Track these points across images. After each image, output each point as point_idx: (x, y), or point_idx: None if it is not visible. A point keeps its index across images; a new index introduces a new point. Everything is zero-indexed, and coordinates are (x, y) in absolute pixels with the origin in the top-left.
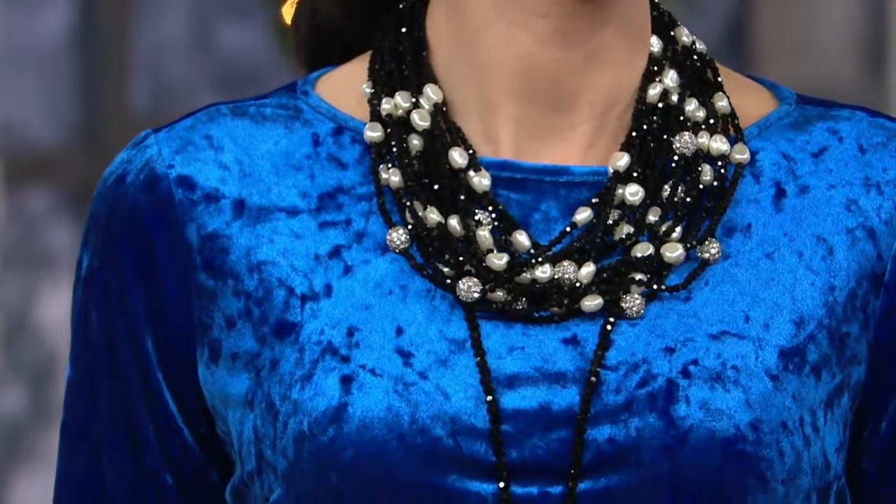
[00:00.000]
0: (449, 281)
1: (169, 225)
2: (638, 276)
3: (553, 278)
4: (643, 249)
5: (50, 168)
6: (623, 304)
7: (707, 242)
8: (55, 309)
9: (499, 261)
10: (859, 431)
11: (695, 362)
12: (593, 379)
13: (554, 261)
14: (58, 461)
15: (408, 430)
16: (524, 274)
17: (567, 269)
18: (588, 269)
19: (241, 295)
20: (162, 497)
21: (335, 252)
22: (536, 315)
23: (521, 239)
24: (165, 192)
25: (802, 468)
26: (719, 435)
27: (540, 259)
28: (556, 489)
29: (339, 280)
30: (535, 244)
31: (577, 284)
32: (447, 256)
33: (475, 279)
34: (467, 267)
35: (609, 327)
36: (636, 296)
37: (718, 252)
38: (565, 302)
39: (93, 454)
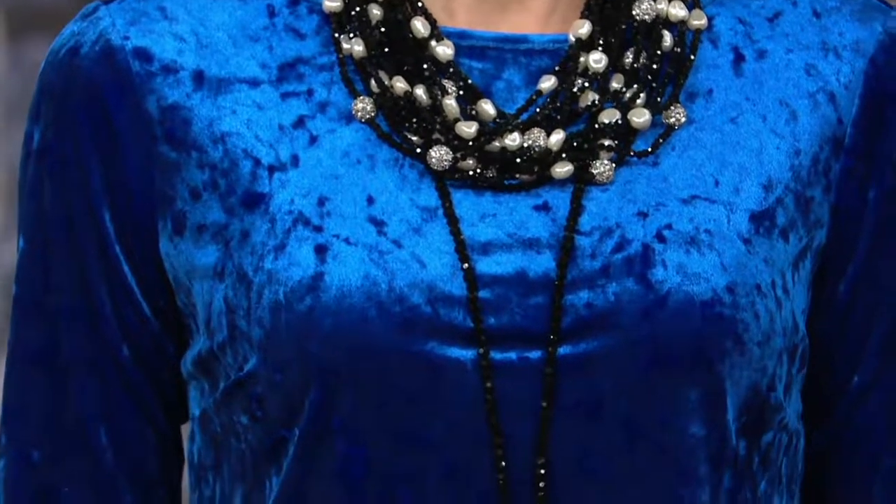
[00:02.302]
0: (419, 150)
1: (127, 97)
2: (606, 142)
3: (522, 146)
4: (610, 116)
5: (51, 19)
6: (593, 171)
7: (672, 108)
8: None
9: (468, 129)
10: (818, 294)
11: (668, 227)
12: (569, 244)
13: (523, 129)
14: (10, 334)
15: (386, 298)
16: (494, 142)
17: (537, 137)
18: (558, 137)
19: (206, 166)
20: (118, 368)
21: (299, 122)
22: (506, 183)
23: (487, 107)
24: (122, 63)
25: (775, 330)
26: (697, 298)
27: (509, 127)
28: (535, 354)
29: (306, 150)
30: (500, 113)
31: (547, 152)
32: (415, 125)
33: (446, 147)
34: (436, 136)
35: (580, 193)
36: (605, 161)
37: (683, 116)
38: (535, 169)
39: (47, 326)
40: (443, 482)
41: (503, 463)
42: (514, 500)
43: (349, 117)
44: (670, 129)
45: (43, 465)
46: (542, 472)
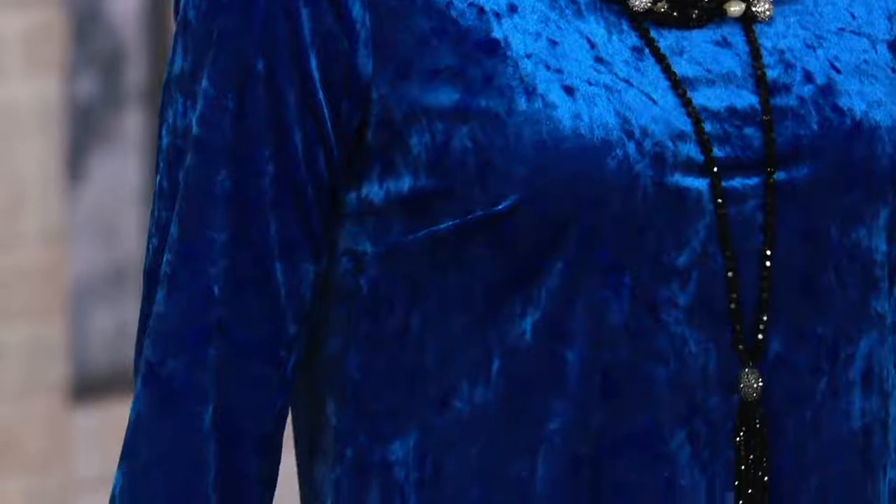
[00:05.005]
0: None
1: None
2: None
3: None
4: None
5: None
6: (754, 9)
7: None
8: (125, 1)
9: None
10: None
11: (836, 58)
12: (764, 78)
13: None
14: (190, 174)
15: (639, 135)
16: None
17: None
18: None
19: (433, 13)
20: (300, 208)
21: None
22: (690, 21)
23: None
24: None
25: None
26: (882, 124)
27: None
28: (754, 181)
29: None
30: None
31: None
32: None
33: None
34: None
35: (752, 30)
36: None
37: None
38: (711, 7)
39: (237, 168)
40: (692, 306)
41: (738, 281)
42: (745, 319)
43: None
44: None
45: (223, 299)
46: (767, 286)
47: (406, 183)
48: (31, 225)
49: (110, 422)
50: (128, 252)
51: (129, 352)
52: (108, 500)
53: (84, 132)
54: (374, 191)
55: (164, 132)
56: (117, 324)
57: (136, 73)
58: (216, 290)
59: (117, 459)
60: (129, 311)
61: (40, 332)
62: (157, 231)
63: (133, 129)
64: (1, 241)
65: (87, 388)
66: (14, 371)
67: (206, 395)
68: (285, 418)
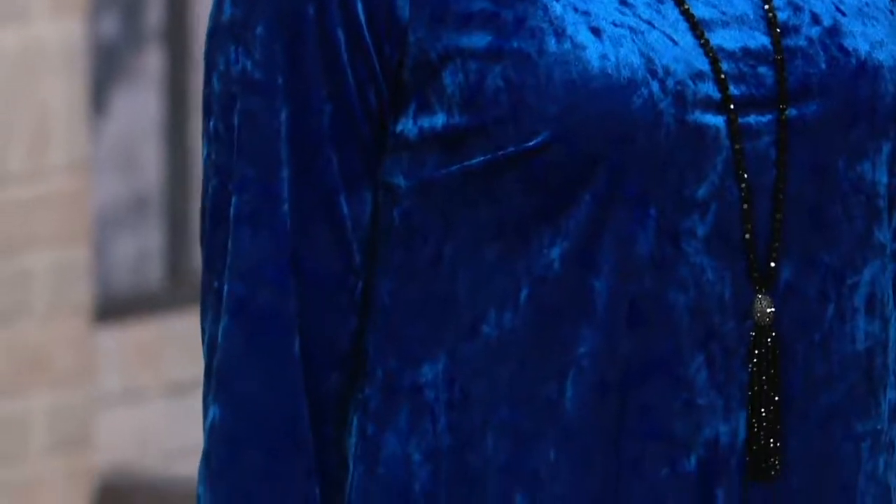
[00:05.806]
0: None
1: None
2: None
3: None
4: None
5: None
6: None
7: None
8: None
9: None
10: None
11: (841, 1)
12: (775, 20)
13: None
14: (247, 120)
15: (662, 74)
16: None
17: None
18: None
19: None
20: (359, 142)
21: None
22: None
23: None
24: None
25: None
26: (885, 63)
27: None
28: (768, 118)
29: None
30: None
31: None
32: None
33: None
34: None
35: None
36: None
37: None
38: None
39: (297, 106)
40: (710, 236)
41: (753, 213)
42: (758, 249)
43: None
44: None
45: (295, 233)
46: (779, 218)
47: (440, 120)
48: (57, 157)
49: (132, 341)
50: (148, 182)
51: (150, 276)
52: (207, 430)
53: (107, 70)
54: (408, 127)
55: (214, 78)
56: (139, 249)
57: (156, 13)
58: (288, 224)
59: (138, 376)
60: (149, 237)
61: (66, 257)
62: (216, 173)
63: (153, 67)
64: (29, 171)
65: (111, 310)
66: (41, 294)
67: (293, 325)
68: (360, 337)
